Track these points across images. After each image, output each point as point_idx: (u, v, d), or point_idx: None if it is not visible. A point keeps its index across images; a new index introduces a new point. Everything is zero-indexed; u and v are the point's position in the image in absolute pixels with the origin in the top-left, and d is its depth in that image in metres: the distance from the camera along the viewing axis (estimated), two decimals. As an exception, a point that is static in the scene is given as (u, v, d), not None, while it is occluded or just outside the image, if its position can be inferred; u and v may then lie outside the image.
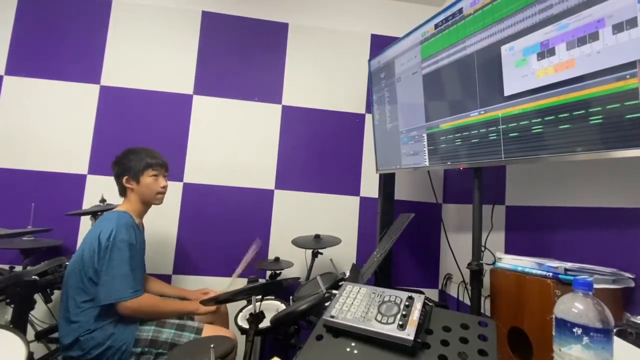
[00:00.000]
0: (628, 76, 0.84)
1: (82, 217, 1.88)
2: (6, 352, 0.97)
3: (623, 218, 1.05)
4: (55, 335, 1.49)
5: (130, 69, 2.00)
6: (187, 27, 2.06)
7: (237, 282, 1.77)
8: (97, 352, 1.21)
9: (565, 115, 0.98)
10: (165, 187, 1.48)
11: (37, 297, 1.39)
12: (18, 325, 1.29)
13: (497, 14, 1.15)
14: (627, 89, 0.84)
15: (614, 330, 0.62)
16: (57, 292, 1.48)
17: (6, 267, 1.70)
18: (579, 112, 0.94)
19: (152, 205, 1.49)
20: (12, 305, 1.32)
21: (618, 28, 0.85)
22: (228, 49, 2.09)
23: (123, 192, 1.45)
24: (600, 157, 0.92)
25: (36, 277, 1.33)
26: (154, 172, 1.44)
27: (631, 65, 0.83)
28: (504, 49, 1.14)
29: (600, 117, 0.90)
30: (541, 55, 1.03)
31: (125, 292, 1.23)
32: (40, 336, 1.51)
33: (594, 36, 0.90)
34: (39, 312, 1.59)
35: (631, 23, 0.83)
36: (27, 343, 1.00)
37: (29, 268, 1.42)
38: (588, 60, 0.91)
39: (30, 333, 1.48)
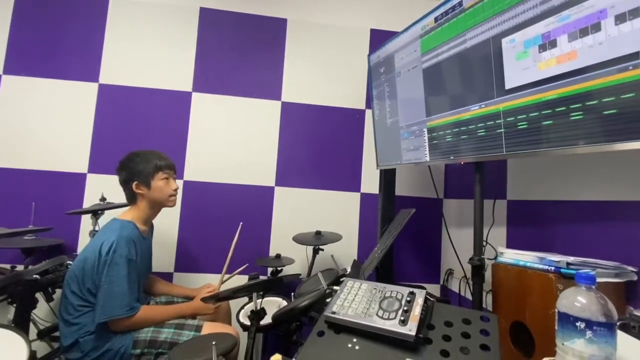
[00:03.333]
0: (631, 67, 0.83)
1: (83, 216, 1.88)
2: (8, 352, 0.97)
3: (625, 211, 1.04)
4: (58, 334, 1.49)
5: (128, 67, 1.99)
6: (185, 24, 2.05)
7: (237, 279, 1.77)
8: (96, 354, 1.21)
9: (567, 107, 0.96)
10: (176, 189, 1.45)
11: (39, 296, 1.40)
12: (20, 324, 1.29)
13: (498, 6, 1.14)
14: (629, 81, 0.83)
15: (617, 324, 0.61)
16: (58, 291, 1.48)
17: (7, 266, 1.70)
18: (581, 105, 0.93)
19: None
20: (14, 305, 1.33)
21: (620, 18, 0.84)
22: (226, 46, 2.07)
23: (132, 198, 1.40)
24: (602, 150, 0.91)
25: (37, 276, 1.33)
26: (164, 175, 1.40)
27: (634, 56, 0.82)
28: (505, 41, 1.12)
29: (602, 109, 0.89)
30: (543, 47, 1.01)
31: (120, 310, 1.22)
32: (43, 335, 1.52)
33: (596, 27, 0.88)
34: (41, 311, 1.59)
35: (634, 13, 0.81)
36: (29, 342, 1.00)
37: (30, 267, 1.42)
38: (590, 52, 0.90)
39: (33, 332, 1.49)
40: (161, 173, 1.39)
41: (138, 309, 1.27)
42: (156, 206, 1.43)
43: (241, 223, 1.62)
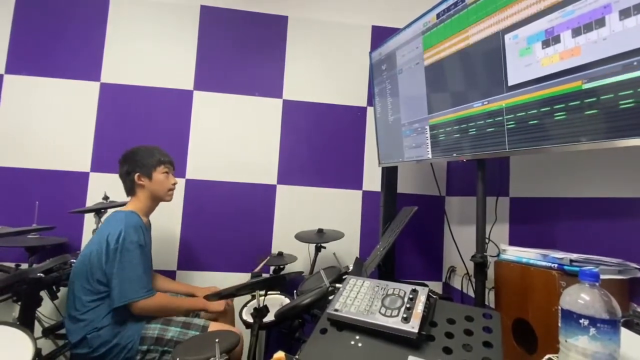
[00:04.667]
0: (635, 63, 0.82)
1: (86, 215, 1.89)
2: (14, 349, 0.98)
3: (629, 208, 1.04)
4: (63, 331, 1.50)
5: (130, 66, 1.99)
6: (185, 22, 2.05)
7: (239, 278, 1.79)
8: (104, 349, 1.23)
9: (571, 104, 0.96)
10: (175, 184, 1.50)
11: (44, 294, 1.40)
12: (25, 322, 1.30)
13: (501, 1, 1.13)
14: (634, 77, 0.82)
15: (621, 321, 0.61)
16: (63, 289, 1.49)
17: (12, 265, 1.71)
18: (585, 101, 0.93)
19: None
20: (19, 303, 1.34)
21: (625, 13, 0.83)
22: (227, 44, 2.07)
23: (132, 190, 1.44)
24: (605, 147, 0.90)
25: (42, 274, 1.34)
26: (165, 169, 1.46)
27: (639, 52, 0.81)
28: (508, 37, 1.11)
29: (606, 105, 0.88)
30: (546, 44, 1.01)
31: (138, 292, 1.25)
32: (48, 333, 1.53)
33: (600, 22, 0.87)
34: (46, 309, 1.60)
35: (639, 8, 0.81)
36: (34, 340, 1.01)
37: (34, 266, 1.43)
38: (594, 48, 0.89)
39: (38, 330, 1.50)
40: (162, 167, 1.45)
41: (154, 292, 1.31)
42: (155, 199, 1.47)
43: (268, 257, 1.72)
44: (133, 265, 1.26)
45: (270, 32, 2.10)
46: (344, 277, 1.17)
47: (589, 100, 0.92)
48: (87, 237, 1.89)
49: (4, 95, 1.90)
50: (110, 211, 1.63)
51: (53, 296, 1.42)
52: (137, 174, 1.41)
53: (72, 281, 1.30)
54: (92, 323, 1.24)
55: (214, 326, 1.33)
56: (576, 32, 0.93)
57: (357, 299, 0.81)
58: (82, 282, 1.28)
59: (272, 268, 1.87)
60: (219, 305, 1.43)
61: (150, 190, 1.43)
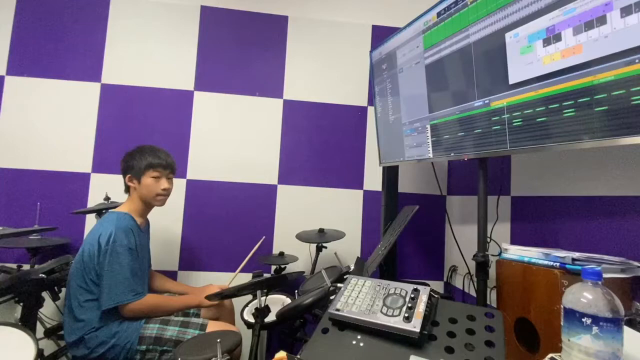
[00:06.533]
0: (637, 60, 0.81)
1: (88, 215, 1.89)
2: (16, 350, 0.98)
3: (631, 206, 1.03)
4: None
5: (130, 67, 1.99)
6: (186, 23, 2.05)
7: (241, 277, 1.79)
8: (103, 350, 1.23)
9: (572, 102, 0.96)
10: (166, 190, 1.43)
11: (45, 295, 1.41)
12: (27, 323, 1.31)
13: None
14: (636, 74, 0.82)
15: (624, 319, 0.61)
16: (64, 290, 1.49)
17: (14, 265, 1.72)
18: (586, 99, 0.92)
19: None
20: (21, 304, 1.34)
21: (626, 11, 0.83)
22: (228, 44, 2.07)
23: (127, 189, 1.45)
24: (607, 145, 0.90)
25: (43, 275, 1.34)
26: (155, 173, 1.40)
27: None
28: (509, 35, 1.11)
29: (607, 103, 0.88)
30: (547, 42, 1.00)
31: (126, 295, 1.24)
32: (50, 333, 1.53)
33: (602, 20, 0.87)
34: (48, 310, 1.61)
35: (640, 5, 0.80)
36: (36, 340, 1.01)
37: (36, 266, 1.43)
38: (595, 45, 0.89)
39: (40, 330, 1.50)
40: (152, 171, 1.39)
41: (144, 294, 1.30)
42: (144, 202, 1.44)
43: (264, 237, 1.72)
44: (122, 268, 1.25)
45: (271, 32, 2.10)
46: (345, 276, 1.17)
47: (591, 98, 0.91)
48: (88, 237, 1.89)
49: (5, 97, 1.91)
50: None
51: (55, 297, 1.43)
52: (128, 176, 1.40)
53: (69, 280, 1.31)
54: (89, 323, 1.24)
55: (212, 325, 1.33)
56: (577, 30, 0.92)
57: (359, 298, 0.81)
58: (78, 281, 1.28)
59: (273, 268, 1.87)
60: (210, 302, 1.42)
61: (139, 193, 1.41)
